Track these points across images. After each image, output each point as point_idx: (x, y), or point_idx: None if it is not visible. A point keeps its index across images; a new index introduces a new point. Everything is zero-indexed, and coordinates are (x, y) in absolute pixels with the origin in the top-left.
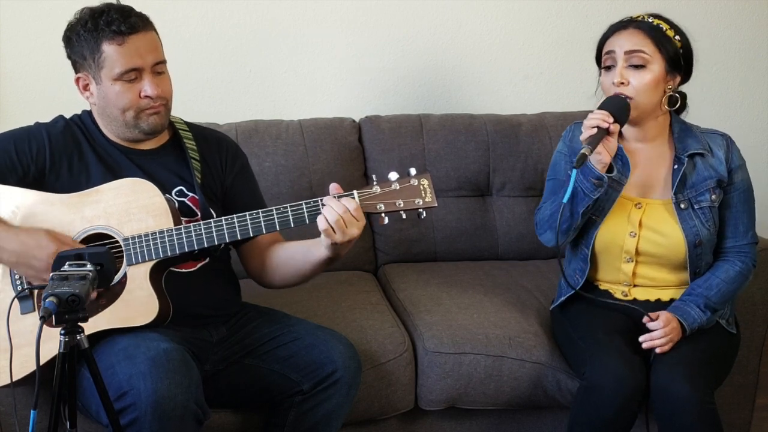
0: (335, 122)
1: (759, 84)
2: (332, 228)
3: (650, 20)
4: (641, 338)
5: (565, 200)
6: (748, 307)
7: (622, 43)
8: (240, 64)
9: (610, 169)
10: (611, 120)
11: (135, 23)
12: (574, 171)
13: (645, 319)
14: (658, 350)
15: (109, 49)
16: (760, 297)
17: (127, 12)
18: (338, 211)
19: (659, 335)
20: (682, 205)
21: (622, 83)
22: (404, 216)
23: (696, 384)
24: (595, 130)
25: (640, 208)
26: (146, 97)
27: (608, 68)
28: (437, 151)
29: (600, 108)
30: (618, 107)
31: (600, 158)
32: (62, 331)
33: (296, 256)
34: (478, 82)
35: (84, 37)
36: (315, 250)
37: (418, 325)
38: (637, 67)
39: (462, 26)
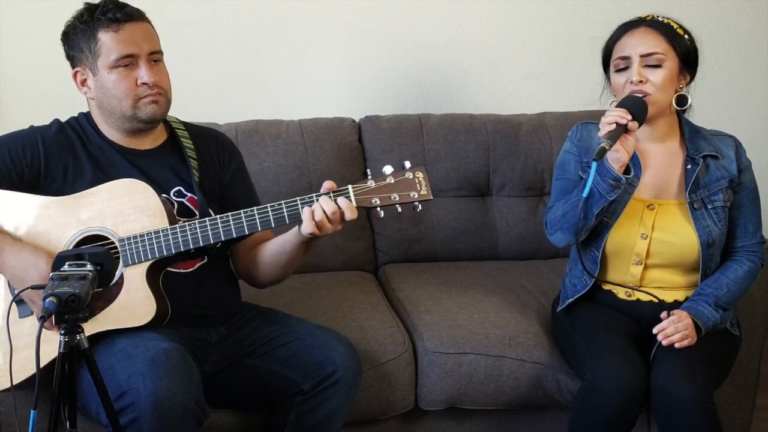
0: (335, 122)
1: (759, 84)
2: (316, 224)
3: (660, 19)
4: (655, 329)
5: (584, 194)
6: (748, 308)
7: (635, 45)
8: (240, 64)
9: (626, 171)
10: (629, 117)
11: (131, 12)
12: (594, 163)
13: (663, 314)
14: (665, 342)
15: (104, 36)
16: (760, 297)
17: (123, 4)
18: (327, 212)
19: (666, 325)
20: (696, 205)
21: (641, 81)
22: (400, 209)
23: (696, 384)
24: (614, 126)
25: (653, 210)
26: (143, 84)
27: (621, 70)
28: (437, 151)
29: (618, 106)
30: (636, 106)
31: (618, 156)
32: (62, 331)
33: (275, 248)
34: (478, 82)
35: (81, 29)
36: (290, 239)
37: (418, 325)
38: (653, 66)
39: (462, 26)
